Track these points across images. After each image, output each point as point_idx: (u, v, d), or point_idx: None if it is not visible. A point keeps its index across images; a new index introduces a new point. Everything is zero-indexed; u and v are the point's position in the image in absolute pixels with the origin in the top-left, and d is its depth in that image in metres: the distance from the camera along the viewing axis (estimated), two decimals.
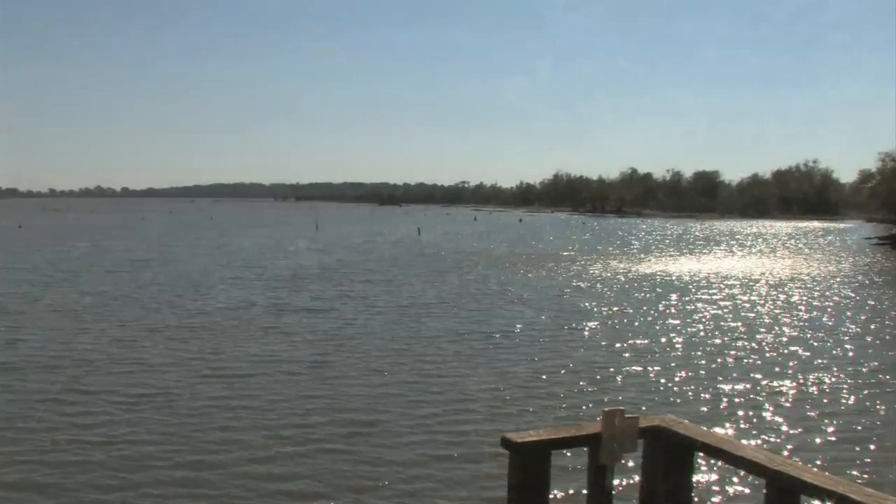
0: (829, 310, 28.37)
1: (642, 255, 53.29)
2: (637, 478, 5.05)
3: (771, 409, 14.46)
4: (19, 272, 39.06)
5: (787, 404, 14.82)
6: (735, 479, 10.34)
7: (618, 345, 20.58)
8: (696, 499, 4.92)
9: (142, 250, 56.38)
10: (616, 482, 4.87)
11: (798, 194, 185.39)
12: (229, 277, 37.03)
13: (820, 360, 18.92)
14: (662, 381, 16.67)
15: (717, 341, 21.27)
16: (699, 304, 28.87)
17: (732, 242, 73.25)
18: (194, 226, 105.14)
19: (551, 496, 4.64)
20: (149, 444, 12.03)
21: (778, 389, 15.92)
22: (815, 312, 27.56)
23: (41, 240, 70.13)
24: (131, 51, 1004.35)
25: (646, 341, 21.18)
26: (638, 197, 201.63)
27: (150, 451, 11.71)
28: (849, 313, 27.40)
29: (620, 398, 14.95)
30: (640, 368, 17.78)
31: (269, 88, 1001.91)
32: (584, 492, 4.96)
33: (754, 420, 13.73)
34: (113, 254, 53.09)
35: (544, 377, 16.84)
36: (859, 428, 13.29)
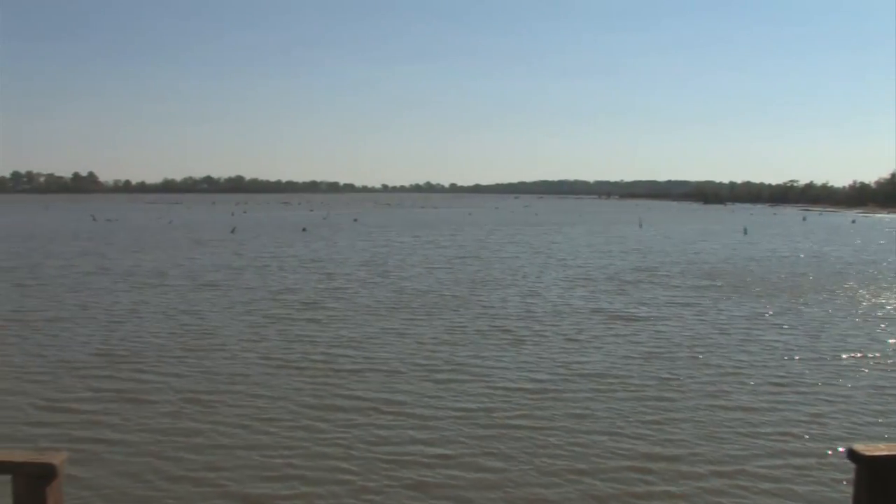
0: None
1: None
2: None
3: None
4: (342, 265, 41.72)
5: None
6: None
7: None
8: None
9: (463, 246, 58.01)
10: None
11: None
12: (547, 277, 36.57)
13: None
14: None
15: None
16: None
17: None
18: (517, 222, 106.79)
19: None
20: (433, 468, 11.20)
21: None
22: None
23: (371, 234, 74.16)
24: (458, 57, 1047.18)
25: None
26: None
27: (435, 478, 10.87)
28: None
29: None
30: None
31: (591, 87, 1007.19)
32: None
33: None
34: (434, 248, 55.10)
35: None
36: None
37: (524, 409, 14.14)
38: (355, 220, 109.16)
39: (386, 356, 18.63)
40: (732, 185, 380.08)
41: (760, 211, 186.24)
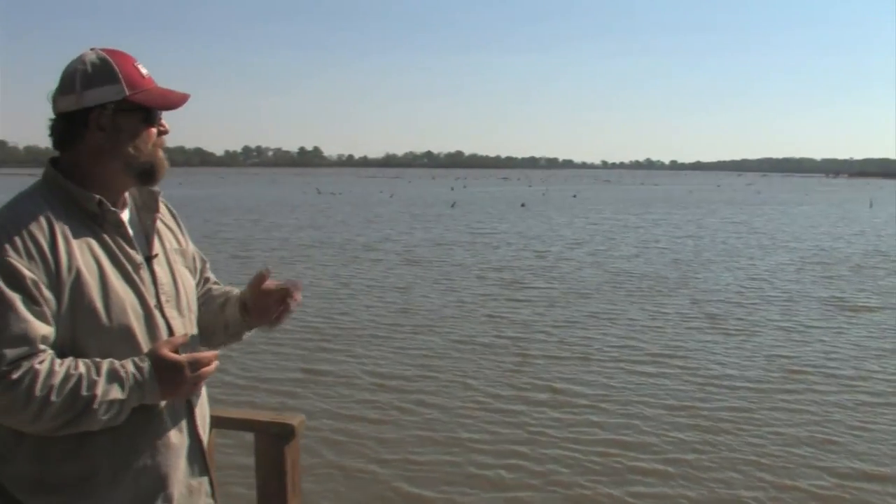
0: None
1: None
2: None
3: None
4: (555, 242, 41.51)
5: None
6: None
7: None
8: None
9: (680, 226, 56.14)
10: None
11: None
12: (766, 260, 34.30)
13: None
14: None
15: None
16: None
17: None
18: (739, 201, 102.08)
19: None
20: (624, 470, 10.91)
21: None
22: None
23: (588, 210, 73.72)
24: (686, 35, 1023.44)
25: None
26: None
27: (623, 478, 10.59)
28: None
29: None
30: None
31: (821, 63, 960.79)
32: None
33: None
34: (650, 227, 53.73)
35: None
36: None
37: (728, 408, 13.26)
38: (574, 196, 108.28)
39: (583, 342, 18.17)
40: None
41: None
